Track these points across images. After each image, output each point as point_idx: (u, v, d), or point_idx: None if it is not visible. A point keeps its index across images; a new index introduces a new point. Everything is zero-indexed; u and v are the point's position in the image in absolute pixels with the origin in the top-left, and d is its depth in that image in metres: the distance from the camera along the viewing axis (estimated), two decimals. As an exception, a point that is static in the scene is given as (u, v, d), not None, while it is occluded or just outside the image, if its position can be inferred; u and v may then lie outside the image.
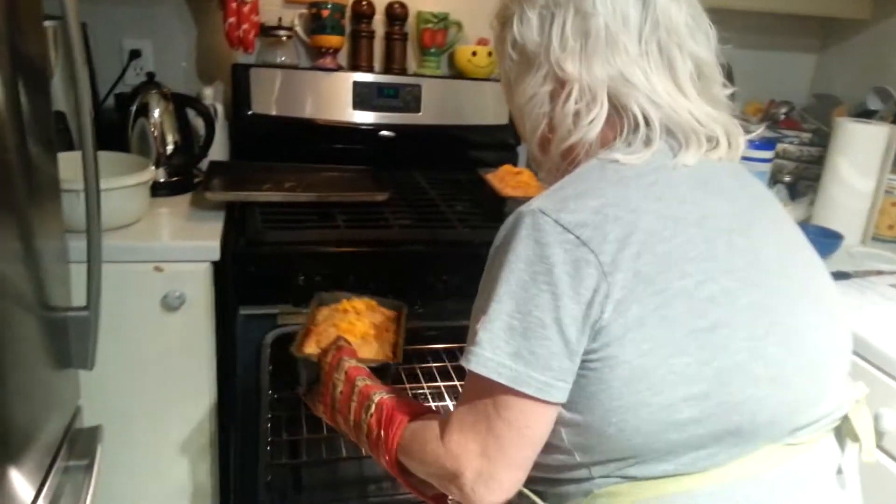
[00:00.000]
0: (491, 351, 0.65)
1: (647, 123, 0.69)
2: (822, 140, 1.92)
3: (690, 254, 0.65)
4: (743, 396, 0.65)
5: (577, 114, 0.70)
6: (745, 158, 1.69)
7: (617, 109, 0.69)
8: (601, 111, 0.68)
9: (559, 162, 0.74)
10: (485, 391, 0.67)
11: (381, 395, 0.80)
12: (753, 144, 1.73)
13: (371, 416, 0.79)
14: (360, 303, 1.11)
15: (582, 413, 0.66)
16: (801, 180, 1.93)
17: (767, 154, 1.73)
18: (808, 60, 2.24)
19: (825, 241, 1.60)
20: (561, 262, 0.62)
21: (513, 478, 0.67)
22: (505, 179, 1.64)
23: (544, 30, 0.71)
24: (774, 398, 0.67)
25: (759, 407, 0.66)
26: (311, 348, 1.00)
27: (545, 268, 0.63)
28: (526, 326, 0.63)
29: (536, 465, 0.69)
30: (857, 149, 1.66)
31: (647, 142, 0.69)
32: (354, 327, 1.03)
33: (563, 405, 0.66)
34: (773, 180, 1.82)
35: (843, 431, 0.75)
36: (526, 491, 0.72)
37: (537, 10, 0.71)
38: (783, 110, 2.05)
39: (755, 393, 0.65)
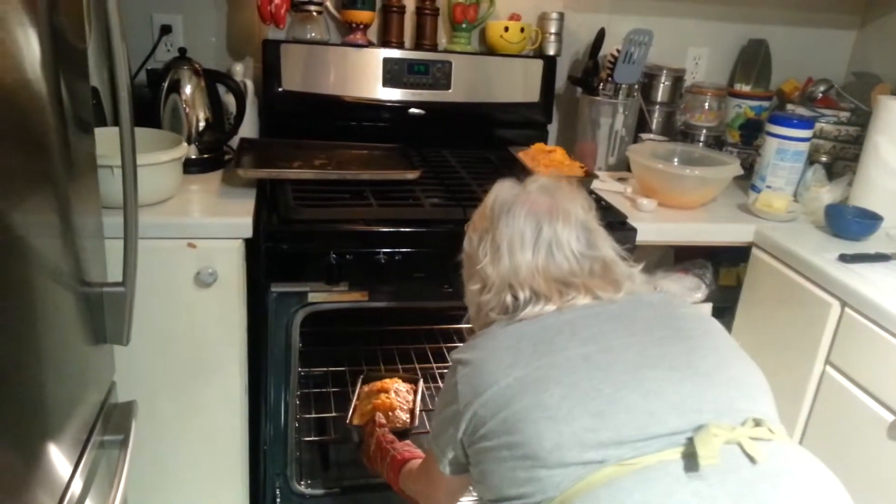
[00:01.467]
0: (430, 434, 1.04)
1: (535, 297, 0.97)
2: (861, 119, 1.87)
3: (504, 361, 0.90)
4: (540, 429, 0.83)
5: (489, 300, 1.00)
6: (784, 138, 1.67)
7: (505, 294, 0.98)
8: (505, 296, 0.98)
9: (483, 324, 1.02)
10: (428, 455, 1.09)
11: (392, 453, 1.32)
12: (791, 123, 1.69)
13: (387, 464, 1.31)
14: (389, 382, 1.64)
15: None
16: (837, 160, 1.88)
17: (806, 133, 1.68)
18: (846, 38, 2.18)
19: (863, 222, 1.56)
20: (454, 381, 0.94)
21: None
22: (537, 158, 1.62)
23: (477, 247, 1.04)
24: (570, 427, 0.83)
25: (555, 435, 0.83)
26: (357, 420, 1.54)
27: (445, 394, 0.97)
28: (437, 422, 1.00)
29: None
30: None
31: (523, 307, 0.97)
32: (384, 404, 1.55)
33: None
34: (810, 160, 1.78)
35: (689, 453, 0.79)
36: None
37: (478, 235, 1.05)
38: (821, 88, 1.99)
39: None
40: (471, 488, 1.06)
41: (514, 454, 0.82)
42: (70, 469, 0.91)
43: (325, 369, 1.77)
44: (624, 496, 0.74)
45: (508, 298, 0.97)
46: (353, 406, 1.58)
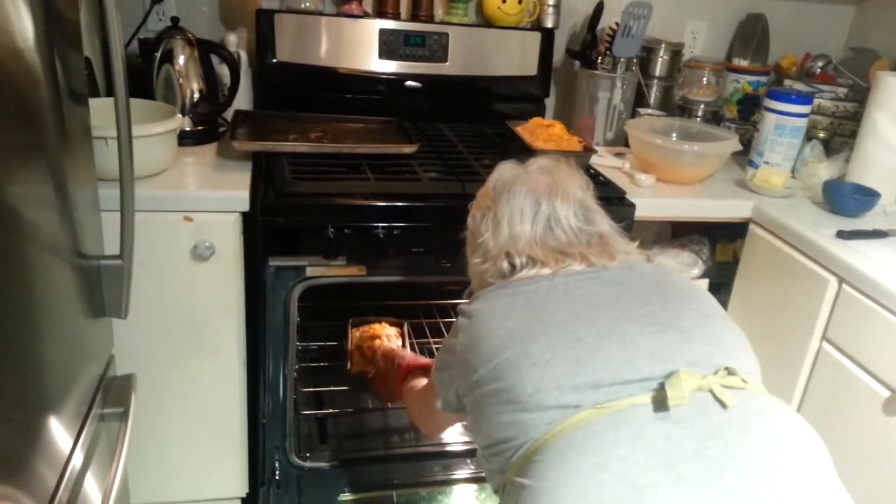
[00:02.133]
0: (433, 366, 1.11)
1: (531, 262, 1.01)
2: (858, 95, 1.87)
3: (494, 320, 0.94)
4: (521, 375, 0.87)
5: (488, 268, 1.05)
6: (782, 113, 1.66)
7: (503, 262, 1.03)
8: (502, 263, 1.02)
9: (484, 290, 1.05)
10: (429, 382, 1.14)
11: (397, 360, 1.44)
12: (789, 98, 1.68)
13: (392, 373, 1.43)
14: (379, 327, 1.73)
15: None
16: (835, 136, 1.88)
17: (804, 109, 1.68)
18: (844, 13, 2.16)
19: (860, 198, 1.57)
20: (456, 330, 0.99)
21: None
22: (535, 132, 1.60)
23: (479, 223, 1.08)
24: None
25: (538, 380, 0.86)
26: (355, 367, 1.66)
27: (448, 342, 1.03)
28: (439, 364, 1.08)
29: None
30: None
31: (519, 271, 1.01)
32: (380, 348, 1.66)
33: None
34: (808, 136, 1.78)
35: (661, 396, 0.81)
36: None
37: (480, 212, 1.09)
38: (819, 64, 1.99)
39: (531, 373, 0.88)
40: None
41: (500, 399, 0.87)
42: (71, 442, 0.90)
43: (322, 343, 1.77)
44: (598, 438, 0.77)
45: (505, 265, 1.02)
46: (349, 353, 1.68)
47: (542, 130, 1.60)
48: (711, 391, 0.79)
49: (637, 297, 0.93)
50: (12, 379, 0.75)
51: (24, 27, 0.78)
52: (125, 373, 1.16)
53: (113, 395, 1.09)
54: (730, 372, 0.83)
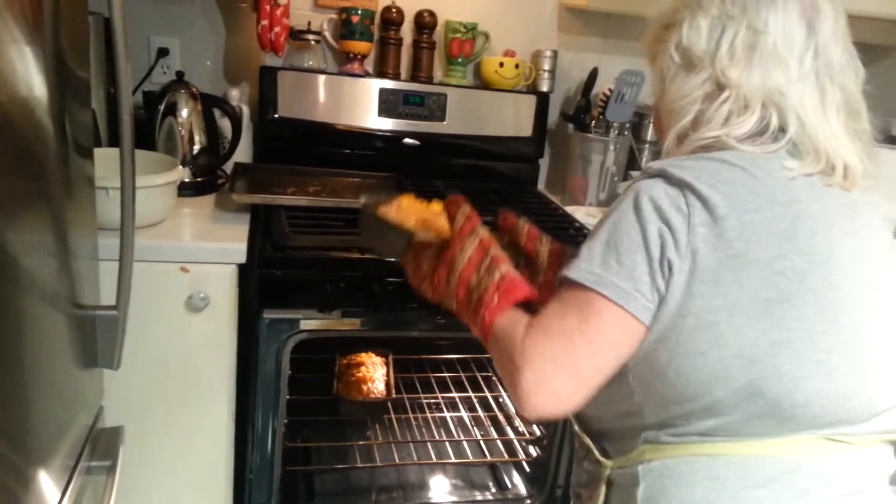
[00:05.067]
0: (586, 262, 0.74)
1: (784, 131, 0.76)
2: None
3: (772, 229, 0.71)
4: (786, 369, 0.71)
5: (728, 117, 0.76)
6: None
7: (762, 117, 0.76)
8: (752, 117, 0.75)
9: (696, 148, 0.79)
10: (571, 298, 0.74)
11: (508, 267, 0.84)
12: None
13: (493, 281, 0.81)
14: (365, 356, 1.79)
15: (651, 352, 0.73)
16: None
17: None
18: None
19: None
20: (654, 205, 0.72)
21: (570, 391, 0.72)
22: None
23: (712, 38, 0.77)
24: (815, 382, 0.71)
25: (798, 385, 0.71)
26: (341, 389, 1.66)
27: (643, 205, 0.72)
28: (617, 244, 0.73)
29: (598, 418, 0.83)
30: (881, 175, 1.64)
31: (774, 142, 0.76)
32: (364, 376, 1.71)
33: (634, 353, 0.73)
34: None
35: None
36: (581, 434, 0.85)
37: (709, 20, 0.77)
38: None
39: (797, 370, 0.71)
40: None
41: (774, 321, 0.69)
42: (58, 495, 0.88)
43: (312, 397, 1.76)
44: (825, 479, 0.74)
45: (775, 119, 0.75)
46: (335, 377, 1.74)
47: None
48: None
49: (846, 253, 0.75)
50: (1, 430, 0.74)
51: (36, 84, 0.80)
52: (114, 424, 1.14)
53: (101, 447, 1.07)
54: None
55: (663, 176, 0.74)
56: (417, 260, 0.94)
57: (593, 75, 1.91)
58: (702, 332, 0.70)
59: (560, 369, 0.71)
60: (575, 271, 0.74)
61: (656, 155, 2.01)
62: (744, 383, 0.71)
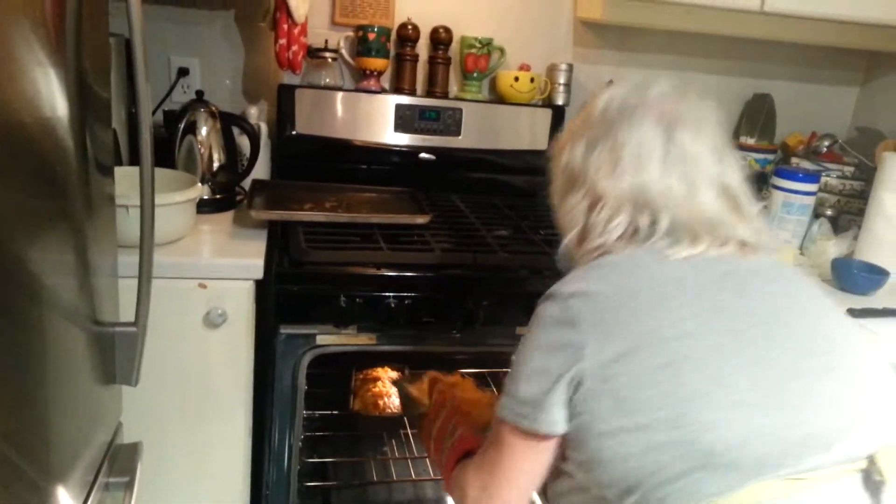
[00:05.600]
0: (503, 394, 0.83)
1: (655, 224, 0.83)
2: (864, 174, 1.89)
3: (656, 303, 0.77)
4: (709, 417, 0.72)
5: (606, 223, 0.85)
6: (790, 191, 1.68)
7: (633, 218, 0.84)
8: (625, 219, 0.84)
9: (588, 257, 0.88)
10: (494, 430, 0.86)
11: (464, 428, 1.07)
12: (797, 177, 1.71)
13: (453, 441, 1.05)
14: (381, 371, 1.77)
15: (582, 446, 0.78)
16: (842, 214, 1.90)
17: (812, 187, 1.70)
18: (850, 93, 2.22)
19: (870, 277, 1.57)
20: (548, 325, 0.80)
21: None
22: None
23: (586, 158, 0.87)
24: (743, 422, 0.73)
25: (728, 427, 0.72)
26: (357, 405, 1.69)
27: (538, 328, 0.81)
28: (519, 372, 0.81)
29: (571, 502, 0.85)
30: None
31: (650, 237, 0.84)
32: (381, 391, 1.72)
33: (568, 444, 0.80)
34: (815, 214, 1.79)
35: (872, 473, 0.75)
36: None
37: (583, 143, 0.88)
38: (825, 143, 2.02)
39: (719, 415, 0.72)
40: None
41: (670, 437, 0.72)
42: (76, 512, 0.89)
43: (329, 412, 1.76)
44: None
45: (644, 220, 0.82)
46: (352, 393, 1.74)
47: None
48: None
49: (804, 318, 0.80)
50: (22, 445, 0.75)
51: (59, 104, 0.82)
52: (132, 440, 1.15)
53: (119, 463, 1.08)
54: None
55: (552, 297, 0.82)
56: (422, 422, 1.23)
57: (609, 89, 1.90)
58: (617, 409, 0.74)
59: (489, 496, 0.86)
60: (496, 405, 0.84)
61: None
62: (675, 445, 0.72)
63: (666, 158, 0.82)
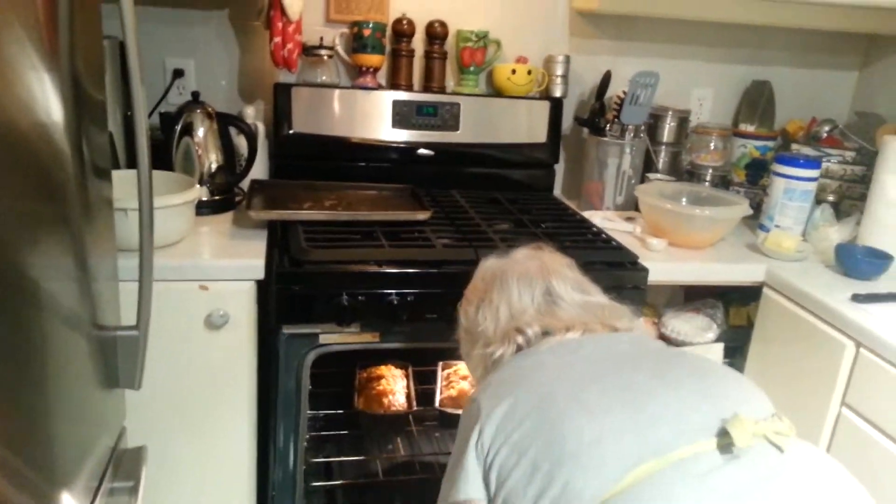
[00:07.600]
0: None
1: (531, 340, 1.01)
2: (866, 159, 1.88)
3: (542, 370, 0.93)
4: (571, 425, 0.83)
5: (494, 350, 1.03)
6: (791, 178, 1.68)
7: (514, 340, 1.01)
8: (515, 337, 1.01)
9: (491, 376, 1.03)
10: None
11: None
12: (798, 163, 1.70)
13: None
14: (385, 369, 1.82)
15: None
16: (844, 199, 1.89)
17: (813, 173, 1.69)
18: (849, 78, 2.21)
19: (874, 261, 1.56)
20: (467, 424, 0.92)
21: None
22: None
23: (476, 316, 1.08)
24: (597, 424, 0.83)
25: (586, 432, 0.82)
26: (362, 404, 1.73)
27: (461, 430, 0.94)
28: (452, 470, 0.92)
29: None
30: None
31: (527, 346, 1.01)
32: (385, 389, 1.75)
33: None
34: (817, 200, 1.79)
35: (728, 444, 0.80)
36: None
37: (473, 305, 1.10)
38: (825, 128, 2.01)
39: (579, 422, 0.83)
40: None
41: (543, 446, 0.83)
42: (82, 518, 0.89)
43: (333, 411, 1.76)
44: (666, 489, 0.76)
45: (520, 339, 1.01)
46: (356, 391, 1.76)
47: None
48: (766, 436, 0.80)
49: (661, 359, 0.95)
50: (26, 451, 0.75)
51: (54, 109, 0.81)
52: (135, 443, 1.15)
53: (124, 468, 1.07)
54: (779, 419, 0.84)
55: (473, 401, 0.94)
56: None
57: (607, 78, 1.89)
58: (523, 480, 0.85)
59: None
60: None
61: (673, 156, 1.99)
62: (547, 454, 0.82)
63: (534, 295, 1.04)
